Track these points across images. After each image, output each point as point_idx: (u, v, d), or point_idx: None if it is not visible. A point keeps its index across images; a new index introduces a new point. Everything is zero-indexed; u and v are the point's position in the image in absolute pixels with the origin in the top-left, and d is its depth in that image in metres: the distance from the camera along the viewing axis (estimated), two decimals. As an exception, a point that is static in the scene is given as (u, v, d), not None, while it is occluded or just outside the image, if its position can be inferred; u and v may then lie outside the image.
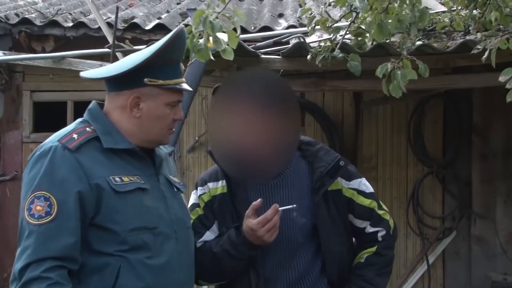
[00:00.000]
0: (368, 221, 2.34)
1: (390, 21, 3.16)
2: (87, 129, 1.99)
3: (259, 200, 2.16)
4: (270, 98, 2.06)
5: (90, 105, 2.09)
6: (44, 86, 5.87)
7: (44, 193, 1.85)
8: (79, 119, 2.07)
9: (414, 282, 5.33)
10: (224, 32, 2.56)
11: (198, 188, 2.37)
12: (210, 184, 2.34)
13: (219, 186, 2.32)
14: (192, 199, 2.38)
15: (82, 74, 2.15)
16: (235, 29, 2.66)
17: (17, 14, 5.71)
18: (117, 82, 2.02)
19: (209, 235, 2.32)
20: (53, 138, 1.97)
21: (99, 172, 1.92)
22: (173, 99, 2.04)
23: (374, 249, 2.34)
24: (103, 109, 2.07)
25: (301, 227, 2.26)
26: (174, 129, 2.13)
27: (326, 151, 2.34)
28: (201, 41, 2.59)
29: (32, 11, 5.88)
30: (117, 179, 1.94)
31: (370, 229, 2.34)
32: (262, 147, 2.06)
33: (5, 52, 5.00)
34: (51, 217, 1.83)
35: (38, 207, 1.84)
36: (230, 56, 2.55)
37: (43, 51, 5.41)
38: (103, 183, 1.91)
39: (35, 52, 5.34)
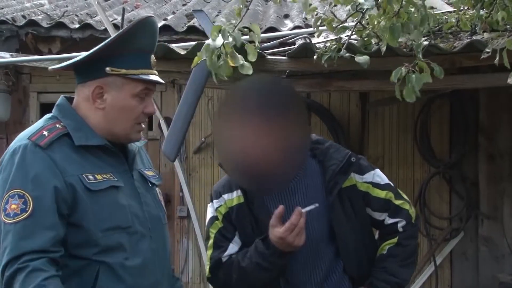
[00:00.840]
0: (386, 213, 2.30)
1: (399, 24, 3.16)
2: (57, 125, 1.93)
3: (280, 207, 2.12)
4: (275, 106, 2.02)
5: (59, 100, 2.03)
6: (50, 87, 5.88)
7: (18, 191, 1.80)
8: (48, 115, 2.01)
9: (421, 283, 5.32)
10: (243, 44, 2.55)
11: (214, 201, 2.32)
12: (225, 196, 2.29)
13: (235, 197, 2.27)
14: (209, 212, 2.34)
15: (50, 68, 2.12)
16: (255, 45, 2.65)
17: (23, 16, 5.72)
18: (82, 73, 1.97)
19: (232, 247, 2.29)
20: (22, 136, 1.91)
21: (72, 170, 1.86)
22: (138, 89, 1.96)
23: (395, 240, 2.30)
24: (73, 104, 2.02)
25: (319, 228, 2.24)
26: (143, 125, 2.04)
27: (336, 148, 2.31)
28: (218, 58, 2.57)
29: (39, 13, 5.90)
30: (90, 177, 1.88)
31: (389, 220, 2.31)
32: (271, 157, 2.01)
33: (12, 54, 5.02)
34: (27, 214, 1.78)
35: (13, 206, 1.79)
36: (249, 71, 2.53)
37: (50, 53, 5.42)
38: (76, 181, 1.85)
39: (41, 54, 5.35)
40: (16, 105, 6.01)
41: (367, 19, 3.31)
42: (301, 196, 2.25)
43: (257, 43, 2.60)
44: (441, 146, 5.35)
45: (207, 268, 2.34)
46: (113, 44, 1.92)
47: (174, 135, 3.37)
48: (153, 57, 2.03)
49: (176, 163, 5.00)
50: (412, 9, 2.93)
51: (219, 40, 2.51)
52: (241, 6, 2.66)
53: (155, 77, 2.01)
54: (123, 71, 1.94)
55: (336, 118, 5.34)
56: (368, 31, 3.36)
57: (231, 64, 2.52)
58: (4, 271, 1.76)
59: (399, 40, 3.39)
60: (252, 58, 2.52)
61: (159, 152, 4.86)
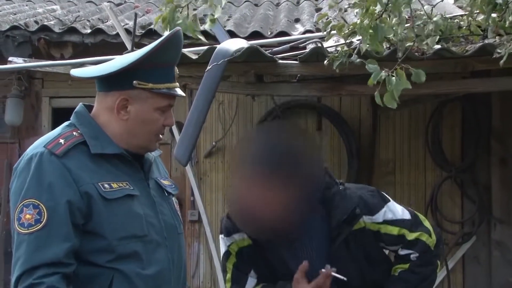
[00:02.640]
0: (400, 245, 2.26)
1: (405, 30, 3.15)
2: (74, 133, 1.93)
3: (305, 262, 2.13)
4: (285, 165, 1.99)
5: (77, 108, 2.03)
6: (62, 92, 5.91)
7: (33, 201, 1.79)
8: (66, 123, 2.00)
9: (434, 287, 5.28)
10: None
11: (225, 238, 2.30)
12: (236, 236, 2.26)
13: (245, 238, 2.25)
14: (222, 246, 2.33)
15: (72, 72, 2.09)
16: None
17: (36, 22, 5.76)
18: (107, 82, 1.96)
19: (251, 281, 2.29)
20: (39, 144, 1.90)
21: (88, 178, 1.85)
22: (163, 103, 1.97)
23: (406, 266, 2.26)
24: (92, 111, 2.01)
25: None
26: (162, 136, 2.05)
27: (341, 196, 2.23)
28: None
29: (51, 19, 5.93)
30: (106, 185, 1.87)
31: (402, 252, 2.27)
32: (278, 213, 2.00)
33: (25, 59, 5.04)
34: (41, 224, 1.77)
35: (27, 216, 1.78)
36: (213, 26, 2.47)
37: (62, 58, 5.45)
38: (92, 190, 1.84)
39: (54, 59, 5.38)
40: (28, 110, 6.04)
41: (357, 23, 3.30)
42: (309, 241, 2.23)
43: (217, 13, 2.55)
44: (452, 150, 5.32)
45: None
46: (144, 59, 1.91)
47: (186, 139, 3.37)
48: (176, 69, 2.03)
49: (187, 168, 5.01)
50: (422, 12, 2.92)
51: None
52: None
53: (179, 91, 2.01)
54: (150, 85, 1.93)
55: (347, 122, 5.33)
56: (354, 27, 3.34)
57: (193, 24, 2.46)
58: (17, 283, 1.76)
59: (409, 44, 3.39)
60: (217, 13, 2.43)
61: (170, 157, 4.87)
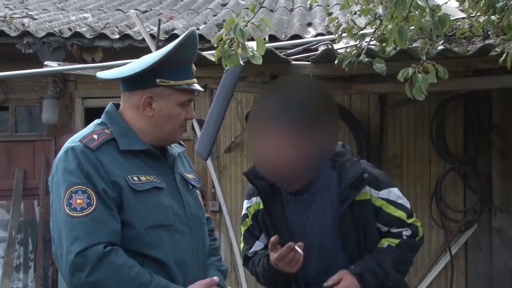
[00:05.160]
0: (394, 227, 2.25)
1: (412, 27, 3.12)
2: (106, 131, 1.94)
3: (275, 236, 2.15)
4: (306, 114, 1.97)
5: (107, 107, 2.04)
6: (94, 93, 5.96)
7: (80, 187, 1.80)
8: (97, 121, 2.02)
9: (438, 272, 5.26)
10: (253, 39, 2.53)
11: (246, 200, 2.37)
12: (254, 199, 2.33)
13: (260, 201, 2.30)
14: (244, 208, 2.39)
15: (98, 74, 2.10)
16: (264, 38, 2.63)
17: (69, 29, 5.79)
18: (131, 83, 1.97)
19: (258, 245, 2.34)
20: (74, 139, 1.93)
21: (118, 171, 1.87)
22: (184, 98, 1.98)
23: (396, 241, 2.24)
24: (119, 110, 2.03)
25: (332, 238, 2.21)
26: (185, 128, 2.06)
27: (352, 162, 2.24)
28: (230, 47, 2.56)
29: (83, 26, 5.96)
30: (135, 178, 1.89)
31: (395, 230, 2.25)
32: (297, 162, 1.99)
33: (60, 63, 5.08)
34: (93, 207, 1.79)
35: (78, 201, 1.79)
36: (259, 61, 2.51)
37: (93, 62, 5.48)
38: (122, 181, 1.86)
39: (85, 63, 5.41)
40: (63, 110, 6.09)
41: (383, 25, 3.28)
42: (317, 208, 2.22)
43: (266, 38, 2.57)
44: (456, 144, 5.28)
45: (239, 256, 2.42)
46: (166, 59, 1.92)
47: (207, 136, 3.37)
48: (193, 66, 2.04)
49: (209, 162, 5.01)
50: (425, 13, 2.88)
51: (231, 35, 2.49)
52: (255, 3, 2.65)
53: (197, 86, 2.03)
54: (172, 82, 1.94)
55: (357, 119, 5.30)
56: (379, 32, 3.31)
57: (239, 52, 2.49)
58: (82, 256, 1.74)
59: (415, 45, 3.35)
60: (261, 51, 2.49)
61: (193, 152, 4.86)
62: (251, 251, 2.32)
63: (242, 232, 2.38)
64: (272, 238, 2.14)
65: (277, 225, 2.21)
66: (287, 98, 2.01)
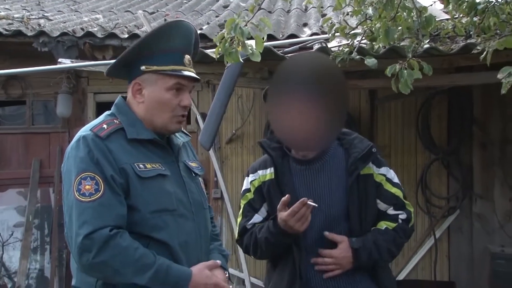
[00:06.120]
0: (392, 206, 2.25)
1: (400, 28, 3.12)
2: (115, 121, 1.93)
3: (286, 196, 2.12)
4: (324, 84, 1.97)
5: (117, 100, 2.04)
6: (105, 88, 5.95)
7: (89, 174, 1.80)
8: (107, 112, 2.01)
9: (423, 254, 5.28)
10: (252, 38, 2.53)
11: (250, 175, 2.35)
12: (260, 172, 2.31)
13: (268, 173, 2.29)
14: (244, 185, 2.36)
15: (106, 73, 2.10)
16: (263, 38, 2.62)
17: (82, 29, 5.78)
18: (126, 75, 1.98)
19: (257, 218, 2.31)
20: (86, 128, 1.92)
21: (126, 159, 1.86)
22: (170, 83, 1.93)
23: (393, 225, 2.24)
24: (126, 102, 2.03)
25: (337, 206, 2.20)
26: (182, 117, 2.00)
27: (360, 139, 2.30)
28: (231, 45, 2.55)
29: (95, 26, 5.94)
30: (141, 165, 1.87)
31: (392, 212, 2.25)
32: (314, 128, 1.99)
33: (73, 60, 5.07)
34: (100, 193, 1.78)
35: (87, 186, 1.79)
36: (258, 59, 2.51)
37: (104, 59, 5.47)
38: (129, 168, 1.85)
39: (97, 60, 5.40)
40: (76, 104, 6.09)
41: (370, 24, 3.28)
42: (325, 178, 2.22)
43: (265, 37, 2.56)
44: (440, 136, 5.28)
45: (236, 233, 2.37)
46: (140, 45, 1.92)
47: (209, 128, 3.37)
48: (187, 56, 2.00)
49: (211, 152, 5.02)
50: (412, 13, 2.88)
51: (231, 33, 2.49)
52: (255, 4, 2.66)
53: (188, 73, 1.98)
54: (155, 67, 1.92)
55: (349, 112, 5.30)
56: (367, 30, 3.31)
57: (240, 50, 2.49)
58: (89, 238, 1.75)
59: (403, 43, 3.35)
60: (260, 48, 2.48)
61: (196, 143, 4.87)
62: (250, 222, 2.30)
63: (242, 206, 2.34)
64: (284, 198, 2.11)
65: (285, 193, 2.18)
66: (307, 71, 2.00)
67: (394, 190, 2.25)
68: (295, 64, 2.06)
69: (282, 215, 2.10)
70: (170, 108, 1.96)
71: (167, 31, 1.94)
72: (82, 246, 1.75)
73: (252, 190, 2.31)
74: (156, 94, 1.94)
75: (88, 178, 1.80)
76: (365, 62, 2.92)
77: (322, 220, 2.19)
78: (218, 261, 1.99)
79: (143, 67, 1.92)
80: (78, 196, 1.79)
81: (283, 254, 2.24)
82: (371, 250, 2.18)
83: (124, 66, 1.98)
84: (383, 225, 2.25)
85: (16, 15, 6.25)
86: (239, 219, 2.37)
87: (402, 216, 2.25)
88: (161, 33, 1.93)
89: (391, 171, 2.29)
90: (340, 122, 2.11)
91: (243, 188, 2.36)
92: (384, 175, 2.25)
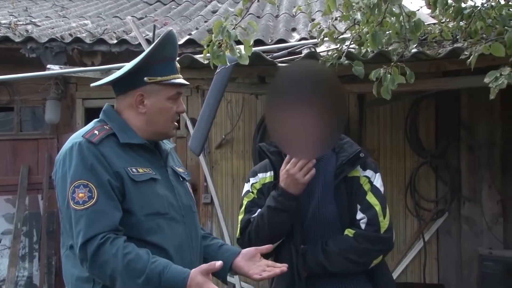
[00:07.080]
0: (363, 214, 2.22)
1: (388, 32, 3.13)
2: (105, 127, 1.95)
3: (288, 156, 2.19)
4: (319, 95, 1.98)
5: (104, 107, 2.05)
6: (94, 94, 5.92)
7: (82, 182, 1.81)
8: (96, 119, 2.03)
9: (412, 257, 5.29)
10: (241, 43, 2.53)
11: (250, 179, 2.39)
12: (260, 175, 2.37)
13: (268, 176, 2.35)
14: (246, 188, 2.40)
15: (92, 85, 2.13)
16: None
17: (70, 34, 5.76)
18: (123, 85, 1.99)
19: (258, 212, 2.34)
20: (77, 135, 1.94)
21: (119, 163, 1.88)
22: (172, 92, 1.99)
23: (352, 232, 2.22)
24: (115, 110, 2.04)
25: (330, 209, 2.24)
26: (176, 122, 2.07)
27: (350, 144, 2.33)
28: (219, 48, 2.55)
29: (83, 31, 5.92)
30: (134, 170, 1.90)
31: (359, 216, 2.22)
32: (313, 137, 2.01)
33: (61, 66, 5.04)
34: (94, 200, 1.79)
35: (80, 195, 1.80)
36: (246, 62, 2.51)
37: (93, 65, 5.45)
38: (123, 172, 1.87)
39: (85, 66, 5.38)
40: (64, 110, 6.06)
41: (358, 29, 3.29)
42: (320, 180, 2.27)
43: (252, 41, 2.56)
44: (428, 139, 5.31)
45: (237, 232, 2.37)
46: (148, 58, 1.94)
47: (199, 133, 3.36)
48: (177, 63, 2.06)
49: (201, 157, 5.00)
50: (401, 18, 2.90)
51: (219, 37, 2.49)
52: (242, 8, 2.66)
53: (183, 80, 2.05)
54: (159, 78, 1.96)
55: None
56: (355, 34, 3.33)
57: (230, 54, 2.49)
58: (83, 247, 1.77)
59: (391, 48, 3.37)
60: (248, 52, 2.48)
61: (186, 148, 4.87)
62: (253, 216, 2.30)
63: (244, 204, 2.36)
64: (287, 158, 2.18)
65: None
66: (305, 80, 2.01)
67: (373, 200, 2.23)
68: (293, 73, 2.07)
69: (284, 167, 2.18)
70: (170, 115, 2.02)
71: (166, 41, 1.98)
72: (80, 257, 1.80)
73: (254, 191, 2.36)
74: (158, 104, 1.98)
75: (81, 186, 1.81)
76: (353, 70, 2.93)
77: (317, 222, 2.23)
78: (219, 262, 1.91)
79: (146, 79, 1.95)
80: (73, 204, 1.81)
81: (283, 255, 2.25)
82: (318, 256, 2.21)
83: (124, 78, 1.99)
84: (345, 232, 2.24)
85: (3, 21, 6.21)
86: (240, 217, 2.37)
87: (363, 221, 2.21)
88: (163, 44, 1.97)
89: (377, 175, 2.28)
90: (339, 129, 2.13)
91: (245, 190, 2.40)
92: (369, 179, 2.26)
